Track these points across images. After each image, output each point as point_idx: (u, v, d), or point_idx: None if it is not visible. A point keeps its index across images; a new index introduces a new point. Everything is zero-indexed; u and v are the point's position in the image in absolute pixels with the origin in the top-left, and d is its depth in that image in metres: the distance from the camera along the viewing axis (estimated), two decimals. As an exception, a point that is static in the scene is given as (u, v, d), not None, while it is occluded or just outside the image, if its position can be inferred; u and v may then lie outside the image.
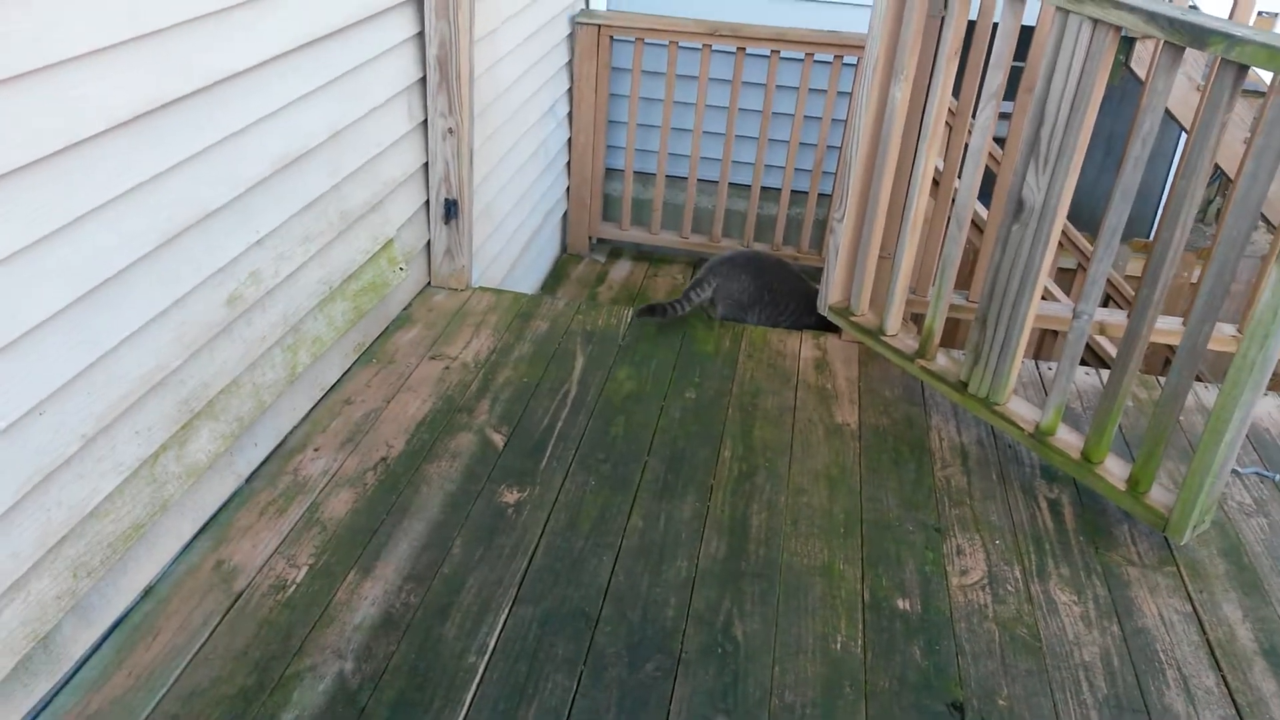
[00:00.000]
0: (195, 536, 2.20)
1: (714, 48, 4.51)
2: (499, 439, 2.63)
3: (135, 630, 1.97)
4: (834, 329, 3.24)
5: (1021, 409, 2.67)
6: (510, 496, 2.42)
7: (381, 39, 2.66)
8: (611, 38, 4.59)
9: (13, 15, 1.50)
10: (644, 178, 5.12)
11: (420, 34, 2.87)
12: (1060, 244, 4.22)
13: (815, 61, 4.48)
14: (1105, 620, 2.19)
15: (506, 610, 2.09)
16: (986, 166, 3.85)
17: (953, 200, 2.72)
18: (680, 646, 2.03)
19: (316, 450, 2.52)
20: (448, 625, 2.04)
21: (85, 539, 1.84)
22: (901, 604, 2.19)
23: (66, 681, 1.85)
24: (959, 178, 2.67)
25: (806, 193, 4.81)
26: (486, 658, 1.97)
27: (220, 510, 2.28)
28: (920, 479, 2.61)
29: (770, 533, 2.37)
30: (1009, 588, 2.26)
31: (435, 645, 1.99)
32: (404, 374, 2.86)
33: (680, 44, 4.53)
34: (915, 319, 3.10)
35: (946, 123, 2.86)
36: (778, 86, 4.55)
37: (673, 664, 1.99)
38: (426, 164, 3.09)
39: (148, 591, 2.05)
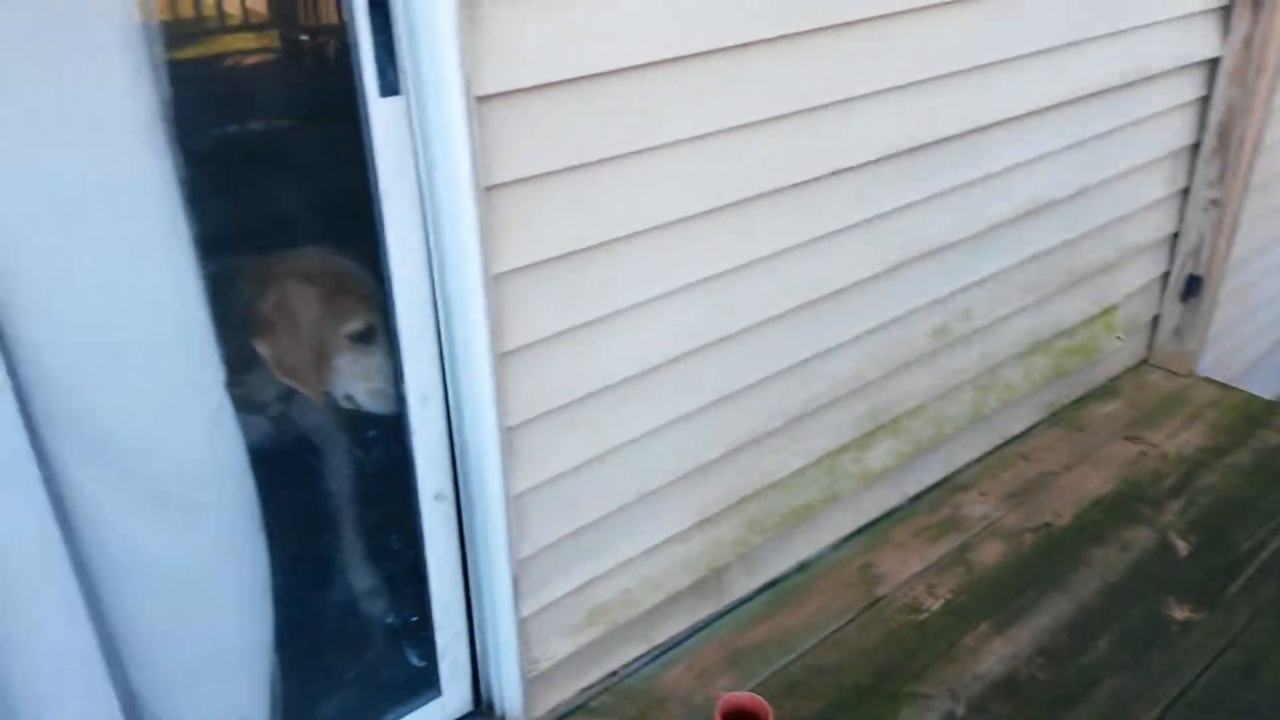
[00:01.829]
0: (853, 534, 2.38)
1: None
2: (1182, 546, 2.33)
3: (785, 595, 2.21)
4: None
5: None
6: (1179, 613, 2.14)
7: (1156, 101, 2.53)
8: None
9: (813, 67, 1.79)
10: None
11: (1204, 98, 2.65)
12: None
13: None
14: None
15: (1142, 727, 1.86)
16: None
17: None
18: None
19: (982, 494, 2.52)
20: (1070, 716, 1.90)
21: (765, 502, 2.12)
22: None
23: (723, 614, 2.16)
24: None
25: None
26: (1104, 767, 1.79)
27: (879, 519, 2.43)
28: None
29: None
30: None
31: (1052, 729, 1.87)
32: (1092, 446, 2.70)
33: None
34: None
35: None
36: None
37: None
38: (1176, 234, 2.85)
39: (802, 566, 2.29)
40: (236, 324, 1.63)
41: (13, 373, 1.27)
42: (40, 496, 1.32)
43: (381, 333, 1.76)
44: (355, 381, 1.79)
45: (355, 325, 1.75)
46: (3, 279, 1.23)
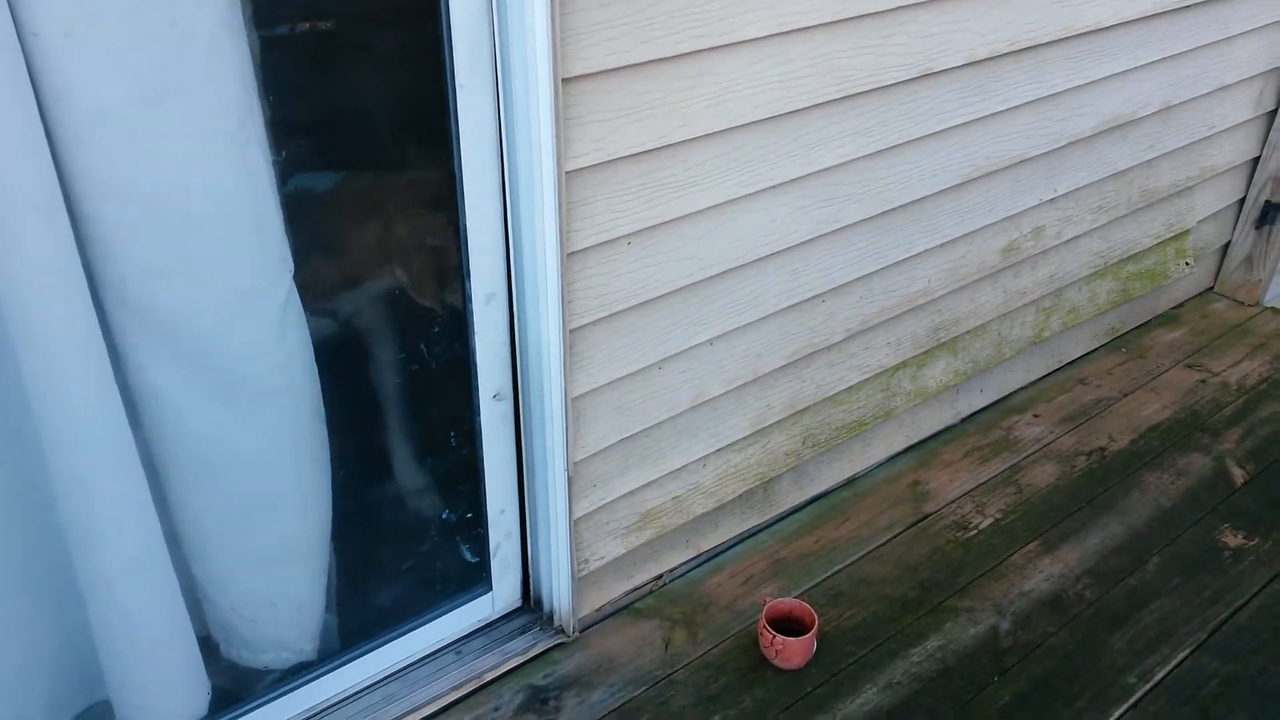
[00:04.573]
0: (903, 451, 2.37)
1: None
2: (1239, 474, 2.30)
3: (832, 509, 2.22)
4: None
5: None
6: (1232, 539, 2.12)
7: (1253, 14, 2.40)
8: None
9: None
10: None
11: (1302, 13, 2.52)
12: None
13: None
14: None
15: (1186, 651, 1.87)
16: None
17: None
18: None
19: (1036, 416, 2.50)
20: (1116, 635, 1.90)
21: (819, 416, 2.11)
22: None
23: (770, 524, 2.17)
24: None
25: None
26: (1148, 687, 1.80)
27: (930, 438, 2.42)
28: None
29: None
30: None
31: (1096, 648, 1.88)
32: (1151, 373, 2.65)
33: None
34: None
35: None
36: None
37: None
38: (1257, 159, 2.74)
39: (851, 481, 2.29)
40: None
41: (85, 260, 1.26)
42: (110, 385, 1.33)
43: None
44: None
45: None
46: (78, 167, 1.21)
